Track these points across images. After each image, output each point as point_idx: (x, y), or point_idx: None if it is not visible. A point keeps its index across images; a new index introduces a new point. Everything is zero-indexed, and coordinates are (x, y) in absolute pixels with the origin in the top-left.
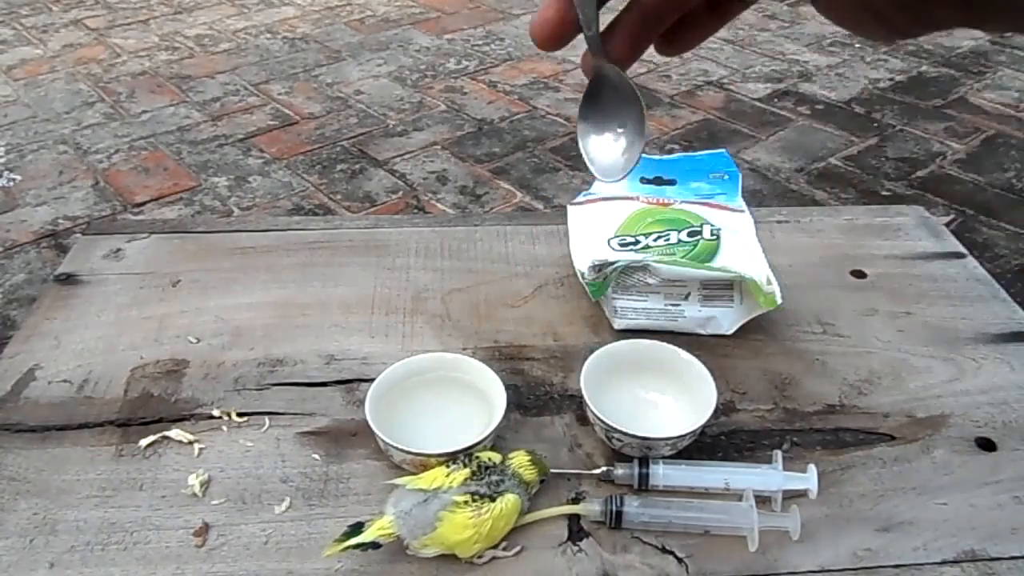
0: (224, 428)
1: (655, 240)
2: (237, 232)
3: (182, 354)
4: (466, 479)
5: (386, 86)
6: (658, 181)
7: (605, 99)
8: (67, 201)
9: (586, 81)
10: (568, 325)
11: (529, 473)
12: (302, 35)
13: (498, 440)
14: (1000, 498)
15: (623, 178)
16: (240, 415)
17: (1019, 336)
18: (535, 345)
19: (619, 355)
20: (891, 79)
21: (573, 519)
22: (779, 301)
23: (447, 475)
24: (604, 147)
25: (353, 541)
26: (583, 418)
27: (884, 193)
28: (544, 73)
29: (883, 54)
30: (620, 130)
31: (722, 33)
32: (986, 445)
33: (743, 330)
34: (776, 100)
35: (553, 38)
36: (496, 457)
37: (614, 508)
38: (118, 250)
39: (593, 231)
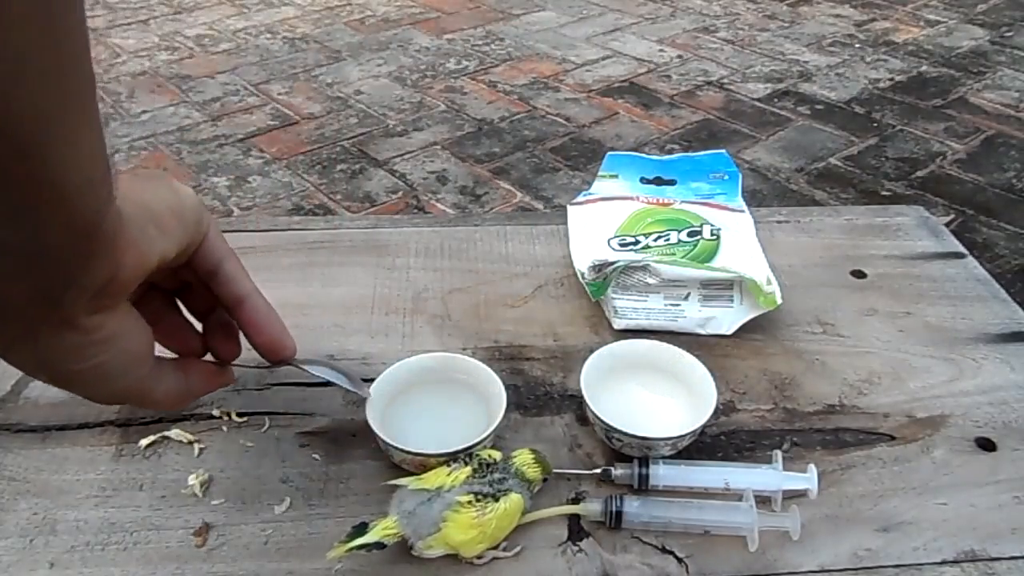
0: (224, 428)
1: (655, 240)
2: (237, 232)
3: None
4: (468, 477)
5: (386, 86)
6: (658, 181)
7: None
8: None
9: None
10: (568, 325)
11: (532, 471)
12: (302, 35)
13: (498, 440)
14: (1000, 498)
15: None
16: (240, 415)
17: (1019, 336)
18: (535, 345)
19: (619, 355)
20: (891, 79)
21: (573, 519)
22: (779, 301)
23: (448, 474)
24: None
25: (358, 541)
26: (583, 418)
27: (884, 193)
28: (544, 73)
29: (883, 54)
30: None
31: (722, 33)
32: (986, 445)
33: (743, 330)
34: (776, 100)
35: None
36: (496, 455)
37: (614, 508)
38: None
39: (593, 231)
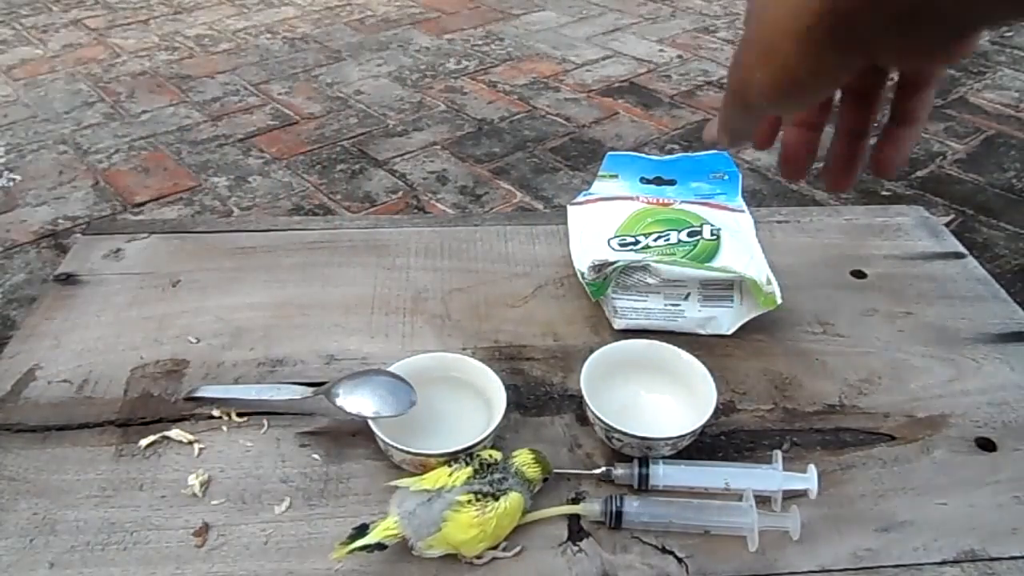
0: (224, 428)
1: (655, 240)
2: (237, 232)
3: (182, 354)
4: (468, 478)
5: (386, 86)
6: (658, 181)
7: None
8: (67, 201)
9: None
10: (568, 325)
11: (532, 471)
12: (302, 35)
13: (498, 440)
14: (1000, 498)
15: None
16: (240, 415)
17: (1019, 336)
18: (535, 345)
19: (619, 355)
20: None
21: (573, 519)
22: (779, 301)
23: (449, 474)
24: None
25: (359, 543)
26: (583, 418)
27: (884, 193)
28: (544, 73)
29: None
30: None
31: (722, 33)
32: (986, 445)
33: (743, 330)
34: None
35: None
36: (497, 454)
37: (614, 508)
38: (118, 250)
39: (593, 231)
